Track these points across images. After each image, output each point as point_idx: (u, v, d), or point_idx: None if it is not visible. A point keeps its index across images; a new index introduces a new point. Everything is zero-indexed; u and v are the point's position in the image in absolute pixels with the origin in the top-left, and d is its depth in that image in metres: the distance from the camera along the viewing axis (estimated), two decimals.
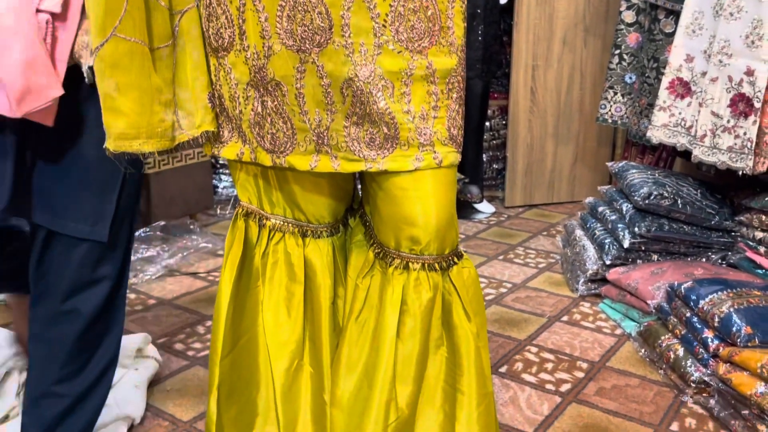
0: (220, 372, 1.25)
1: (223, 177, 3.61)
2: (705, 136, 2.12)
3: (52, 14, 1.02)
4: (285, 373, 1.26)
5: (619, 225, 2.32)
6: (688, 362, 1.74)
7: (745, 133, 2.01)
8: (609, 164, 2.58)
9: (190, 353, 1.96)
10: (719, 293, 1.75)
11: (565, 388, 1.78)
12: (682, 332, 1.81)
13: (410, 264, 1.10)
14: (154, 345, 1.91)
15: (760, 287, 1.82)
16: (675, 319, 1.85)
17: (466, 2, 1.06)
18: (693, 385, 1.71)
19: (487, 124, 3.61)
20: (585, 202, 2.64)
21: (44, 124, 1.07)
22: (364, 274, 1.16)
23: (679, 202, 2.22)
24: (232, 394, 1.29)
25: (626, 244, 2.24)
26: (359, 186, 1.27)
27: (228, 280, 1.22)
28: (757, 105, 1.97)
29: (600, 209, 2.48)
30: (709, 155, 2.11)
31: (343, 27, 0.97)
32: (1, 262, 1.36)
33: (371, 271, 1.15)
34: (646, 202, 2.21)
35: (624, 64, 2.75)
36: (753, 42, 1.98)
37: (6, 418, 1.53)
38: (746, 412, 1.52)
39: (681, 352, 1.78)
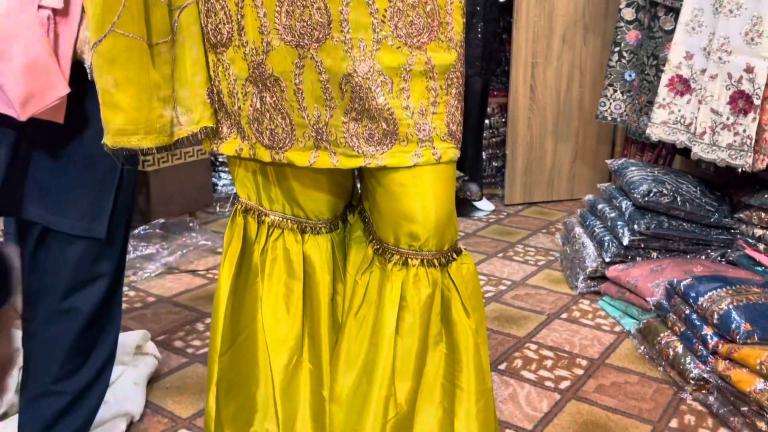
0: (219, 368, 1.25)
1: (222, 175, 3.61)
2: (704, 133, 2.12)
3: (54, 10, 1.02)
4: (284, 370, 1.27)
5: (619, 222, 2.32)
6: (688, 359, 1.74)
7: (744, 131, 2.01)
8: (608, 162, 2.58)
9: (190, 350, 1.96)
10: (718, 290, 1.75)
11: (564, 385, 1.78)
12: (682, 329, 1.81)
13: (409, 260, 1.10)
14: (153, 342, 1.91)
15: (759, 284, 1.82)
16: (674, 316, 1.85)
17: None
18: (692, 382, 1.71)
19: (487, 121, 3.61)
20: (584, 200, 2.64)
21: (47, 122, 1.06)
22: (363, 271, 1.16)
23: (678, 199, 2.22)
24: (231, 390, 1.29)
25: (626, 242, 2.24)
26: (358, 182, 1.27)
27: (227, 277, 1.22)
28: (757, 102, 1.97)
29: (599, 207, 2.48)
30: (708, 152, 2.11)
31: (342, 22, 0.97)
32: None
33: (370, 268, 1.15)
34: (646, 199, 2.21)
35: (623, 61, 2.75)
36: (752, 39, 1.98)
37: (5, 415, 1.53)
38: (745, 408, 1.52)
39: (680, 349, 1.78)
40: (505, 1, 3.37)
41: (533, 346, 2.00)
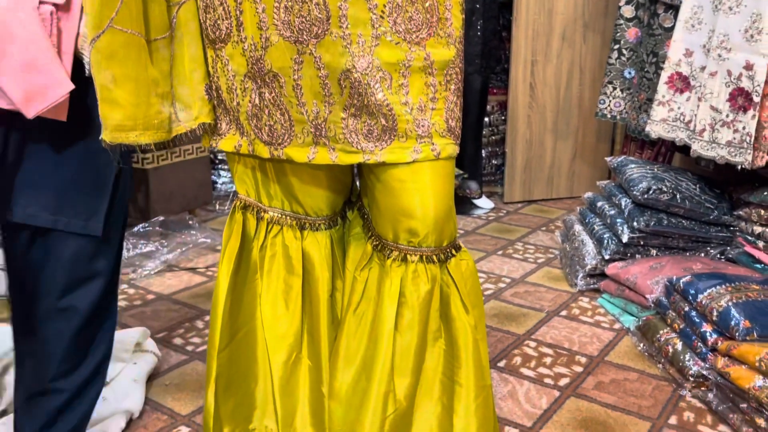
0: (217, 364, 1.25)
1: (221, 173, 3.61)
2: (704, 130, 2.12)
3: (56, 5, 1.01)
4: (283, 366, 1.27)
5: (618, 220, 2.32)
6: (687, 356, 1.74)
7: (744, 128, 2.01)
8: (608, 159, 2.58)
9: (189, 348, 1.96)
10: (718, 287, 1.75)
11: (563, 382, 1.79)
12: (681, 326, 1.81)
13: (408, 256, 1.10)
14: (152, 339, 1.91)
15: (758, 281, 1.82)
16: (673, 314, 1.85)
17: None
18: (691, 378, 1.71)
19: (486, 119, 3.61)
20: (584, 197, 2.64)
21: (39, 119, 1.04)
22: (362, 267, 1.16)
23: (677, 196, 2.22)
24: (230, 386, 1.29)
25: (625, 239, 2.24)
26: (357, 178, 1.27)
27: (225, 273, 1.22)
28: (756, 99, 1.97)
29: (599, 204, 2.48)
30: (708, 150, 2.11)
31: (341, 18, 0.97)
32: None
33: (369, 264, 1.15)
34: (645, 196, 2.21)
35: (623, 59, 2.74)
36: (752, 36, 1.98)
37: (4, 412, 1.53)
38: (744, 405, 1.53)
39: (679, 346, 1.78)
40: None
41: (532, 344, 2.00)
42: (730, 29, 2.04)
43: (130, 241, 2.67)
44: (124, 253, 2.61)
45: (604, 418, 1.62)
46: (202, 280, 2.47)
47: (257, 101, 1.08)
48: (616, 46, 2.75)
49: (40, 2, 1.00)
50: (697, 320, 1.74)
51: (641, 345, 1.94)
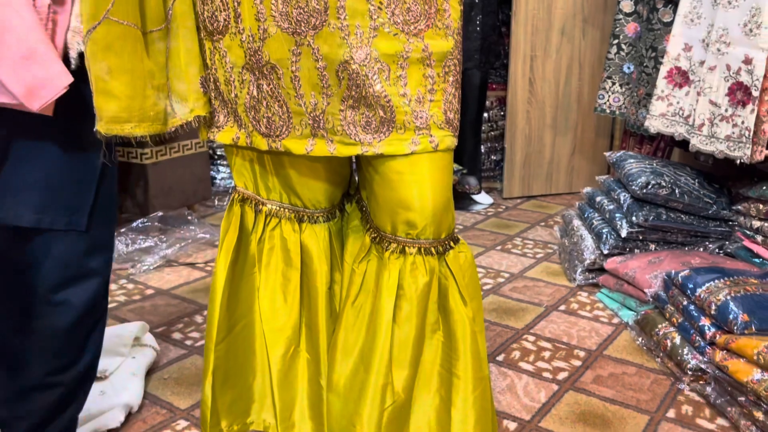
0: (214, 357, 1.25)
1: (221, 168, 3.61)
2: (703, 125, 2.12)
3: None
4: (281, 359, 1.27)
5: (617, 214, 2.32)
6: (685, 350, 1.74)
7: (743, 122, 2.00)
8: (607, 154, 2.58)
9: (188, 342, 1.96)
10: (716, 281, 1.76)
11: (562, 376, 1.79)
12: (679, 320, 1.81)
13: (406, 248, 1.10)
14: (151, 334, 1.91)
15: (756, 275, 1.82)
16: (672, 308, 1.85)
17: None
18: (690, 372, 1.71)
19: (486, 115, 3.61)
20: (583, 192, 2.64)
21: (16, 116, 1.01)
22: (361, 259, 1.16)
23: (676, 191, 2.22)
24: (228, 380, 1.29)
25: (624, 234, 2.24)
26: (356, 171, 1.27)
27: (223, 266, 1.22)
28: (755, 93, 1.97)
29: (598, 199, 2.48)
30: (707, 144, 2.11)
31: (339, 9, 0.97)
32: None
33: (367, 256, 1.15)
34: (644, 191, 2.21)
35: (622, 54, 2.74)
36: (751, 30, 1.98)
37: None
38: (743, 398, 1.53)
39: (678, 340, 1.78)
40: None
41: (531, 338, 2.00)
42: (729, 23, 2.04)
43: (129, 236, 2.67)
44: (123, 248, 2.61)
45: (603, 412, 1.63)
46: (201, 275, 2.47)
47: (255, 93, 1.07)
48: (616, 41, 2.75)
49: None
50: (696, 314, 1.74)
51: (640, 339, 1.94)
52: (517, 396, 1.69)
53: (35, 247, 1.12)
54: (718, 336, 1.65)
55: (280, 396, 1.28)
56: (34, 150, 1.08)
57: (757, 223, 2.17)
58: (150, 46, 1.03)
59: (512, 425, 1.57)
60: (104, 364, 1.64)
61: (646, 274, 2.05)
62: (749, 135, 1.99)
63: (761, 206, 2.15)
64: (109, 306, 2.19)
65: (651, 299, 1.97)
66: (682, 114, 2.26)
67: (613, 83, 2.79)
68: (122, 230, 2.69)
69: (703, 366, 1.67)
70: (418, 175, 1.05)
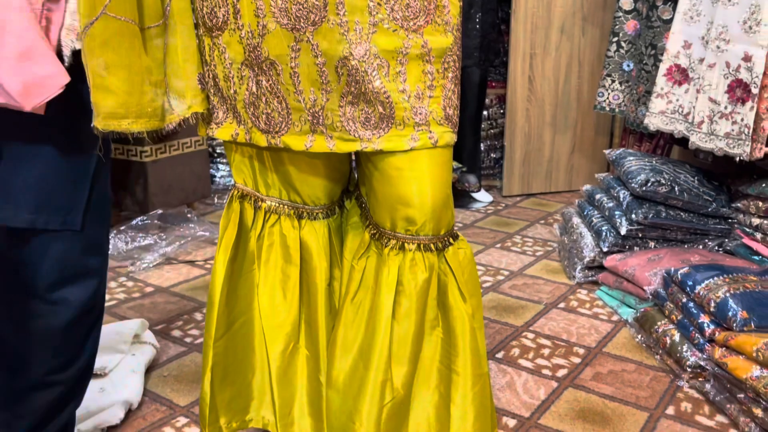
0: (213, 354, 1.25)
1: (220, 166, 3.61)
2: (702, 122, 2.12)
3: None
4: (281, 356, 1.27)
5: (617, 212, 2.32)
6: (684, 347, 1.74)
7: (742, 119, 2.00)
8: (606, 152, 2.58)
9: (188, 340, 1.96)
10: (715, 279, 1.76)
11: (561, 373, 1.79)
12: (679, 318, 1.81)
13: (406, 245, 1.10)
14: (151, 331, 1.91)
15: (756, 273, 1.82)
16: (671, 305, 1.86)
17: None
18: (689, 369, 1.71)
19: (485, 113, 3.61)
20: (582, 190, 2.64)
21: (7, 114, 0.99)
22: (360, 256, 1.15)
23: (676, 189, 2.22)
24: (227, 377, 1.29)
25: (623, 231, 2.25)
26: (355, 167, 1.26)
27: (222, 262, 1.22)
28: (755, 91, 1.97)
29: (597, 196, 2.48)
30: (706, 142, 2.11)
31: (338, 5, 0.97)
32: None
33: (367, 253, 1.15)
34: (644, 189, 2.21)
35: (622, 51, 2.74)
36: (751, 27, 1.98)
37: None
38: (742, 395, 1.53)
39: (677, 337, 1.78)
40: None
41: (531, 335, 2.00)
42: (729, 21, 2.04)
43: (128, 234, 2.67)
44: (123, 246, 2.61)
45: (602, 409, 1.63)
46: (201, 273, 2.47)
47: (254, 89, 1.07)
48: (615, 39, 2.75)
49: None
50: (695, 311, 1.74)
51: (639, 336, 1.94)
52: (517, 393, 1.69)
53: (31, 247, 1.12)
54: (717, 333, 1.66)
55: (279, 393, 1.28)
56: (28, 150, 1.07)
57: (756, 221, 2.17)
58: (148, 42, 1.03)
59: (512, 422, 1.57)
60: (104, 361, 1.65)
61: (646, 272, 2.05)
62: (748, 132, 1.99)
63: (761, 203, 2.15)
64: (109, 303, 2.20)
65: (650, 296, 1.97)
66: (682, 111, 2.26)
67: (613, 81, 2.79)
68: (122, 228, 2.69)
69: (702, 363, 1.67)
70: (417, 172, 1.05)
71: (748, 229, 2.21)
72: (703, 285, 1.74)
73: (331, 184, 1.22)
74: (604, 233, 2.31)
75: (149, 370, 1.77)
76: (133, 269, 2.48)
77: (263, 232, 1.24)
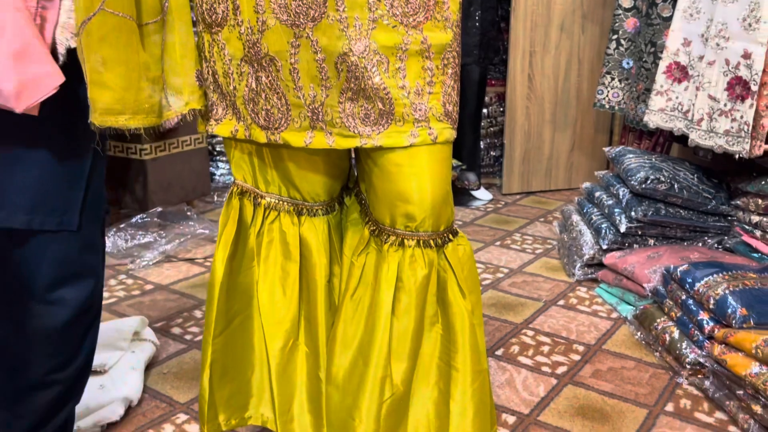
0: (212, 350, 1.25)
1: (220, 164, 3.61)
2: (702, 120, 2.12)
3: None
4: (280, 353, 1.26)
5: (616, 209, 2.32)
6: (684, 344, 1.74)
7: (741, 117, 2.01)
8: (606, 149, 2.58)
9: (188, 337, 1.96)
10: (715, 276, 1.76)
11: (561, 370, 1.79)
12: (678, 315, 1.81)
13: (405, 241, 1.10)
14: (151, 329, 1.91)
15: (755, 270, 1.83)
16: (671, 302, 1.86)
17: None
18: (688, 366, 1.71)
19: (485, 111, 3.61)
20: (582, 187, 2.64)
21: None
22: (360, 252, 1.15)
23: (675, 186, 2.22)
24: (226, 374, 1.29)
25: (623, 229, 2.25)
26: (355, 163, 1.26)
27: (222, 259, 1.22)
28: (754, 88, 1.97)
29: (597, 194, 2.49)
30: (706, 139, 2.11)
31: (338, 1, 0.97)
32: None
33: (366, 249, 1.15)
34: (643, 186, 2.21)
35: (621, 49, 2.74)
36: (750, 25, 1.98)
37: None
38: (741, 392, 1.53)
39: (676, 334, 1.79)
40: None
41: (530, 332, 2.00)
42: (729, 18, 2.04)
43: (128, 231, 2.67)
44: (123, 244, 2.61)
45: (601, 406, 1.63)
46: (201, 271, 2.47)
47: (254, 85, 1.07)
48: (615, 37, 2.75)
49: None
50: (694, 308, 1.74)
51: (638, 333, 1.95)
52: (516, 390, 1.69)
53: (28, 248, 1.11)
54: (716, 330, 1.66)
55: (279, 389, 1.28)
56: (23, 151, 1.07)
57: (755, 218, 2.17)
58: (145, 39, 1.03)
59: (511, 419, 1.57)
60: (104, 358, 1.65)
61: (645, 269, 2.05)
62: (748, 129, 1.99)
63: (760, 201, 2.15)
64: (109, 301, 2.20)
65: (650, 294, 1.97)
66: (681, 109, 2.26)
67: (613, 78, 2.79)
68: (122, 226, 2.69)
69: (701, 360, 1.67)
70: (417, 168, 1.05)
71: (747, 227, 2.21)
72: (702, 282, 1.74)
73: (330, 180, 1.22)
74: (603, 231, 2.32)
75: (149, 367, 1.78)
76: (132, 267, 2.48)
77: (263, 228, 1.24)
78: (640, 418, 1.58)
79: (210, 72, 1.13)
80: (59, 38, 0.99)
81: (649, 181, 2.21)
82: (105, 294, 2.25)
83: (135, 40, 1.00)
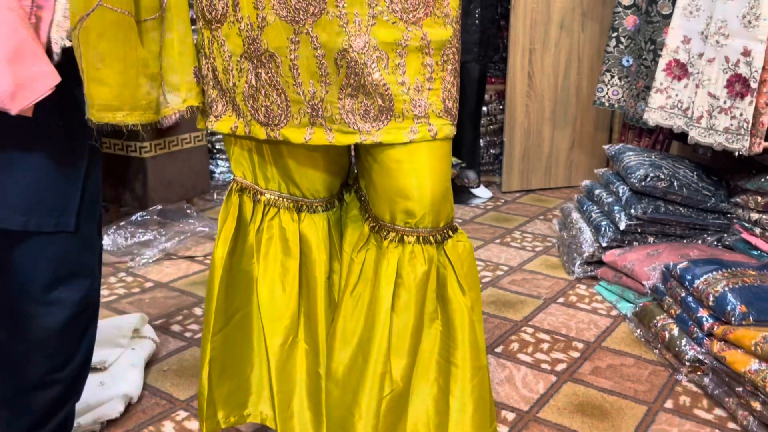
0: (211, 347, 1.25)
1: (219, 162, 3.61)
2: (701, 117, 2.12)
3: None
4: (279, 350, 1.26)
5: (616, 207, 2.32)
6: (683, 341, 1.75)
7: (741, 114, 2.01)
8: (606, 147, 2.58)
9: (188, 334, 1.96)
10: (714, 273, 1.76)
11: (560, 367, 1.79)
12: (677, 312, 1.81)
13: (405, 237, 1.10)
14: (151, 326, 1.91)
15: (755, 267, 1.83)
16: (670, 299, 1.86)
17: None
18: (687, 363, 1.72)
19: (484, 108, 3.61)
20: (582, 185, 2.64)
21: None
22: (359, 248, 1.16)
23: (675, 184, 2.22)
24: (225, 371, 1.29)
25: (622, 226, 2.25)
26: (354, 160, 1.26)
27: (221, 255, 1.22)
28: (754, 85, 1.97)
29: (596, 192, 2.49)
30: (705, 136, 2.11)
31: None
32: None
33: (366, 245, 1.15)
34: (643, 184, 2.21)
35: (621, 47, 2.74)
36: (750, 22, 1.98)
37: None
38: (740, 389, 1.53)
39: (676, 331, 1.79)
40: None
41: (530, 330, 2.00)
42: (728, 15, 2.04)
43: (128, 229, 2.67)
44: (123, 242, 2.61)
45: (601, 403, 1.63)
46: (200, 269, 2.47)
47: (254, 82, 1.07)
48: (615, 34, 2.74)
49: None
50: (694, 305, 1.74)
51: (638, 331, 1.95)
52: (516, 387, 1.70)
53: (25, 249, 1.11)
54: (715, 327, 1.66)
55: (279, 387, 1.28)
56: (19, 152, 1.06)
57: (755, 216, 2.17)
58: (144, 35, 1.03)
59: (511, 416, 1.57)
60: (103, 355, 1.65)
61: (645, 267, 2.05)
62: (747, 127, 1.99)
63: (759, 198, 2.15)
64: (109, 299, 2.20)
65: (649, 291, 1.97)
66: (681, 106, 2.26)
67: (612, 76, 2.79)
68: (121, 223, 2.69)
69: (700, 357, 1.67)
70: (416, 164, 1.05)
71: (746, 224, 2.21)
72: (701, 279, 1.75)
73: (330, 177, 1.22)
74: (603, 228, 2.32)
75: (149, 364, 1.78)
76: (132, 265, 2.48)
77: (262, 225, 1.24)
78: (639, 414, 1.58)
79: (210, 68, 1.13)
80: (54, 37, 0.98)
81: (648, 179, 2.21)
82: (105, 291, 2.25)
83: (133, 37, 1.00)
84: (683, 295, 1.79)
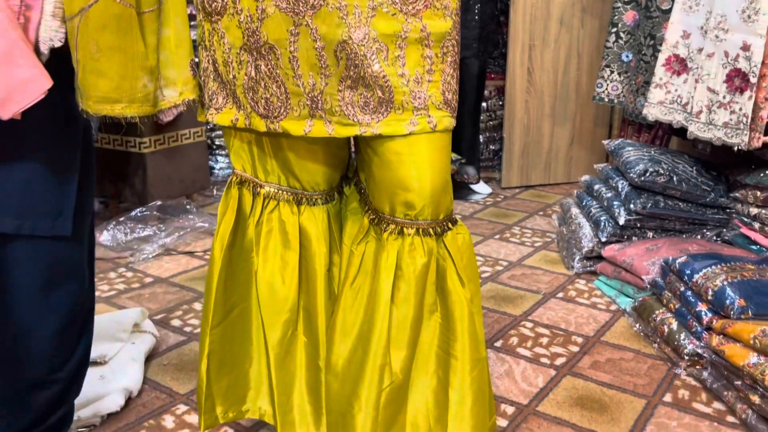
0: (210, 341, 1.25)
1: (219, 158, 3.61)
2: (701, 112, 2.12)
3: None
4: (279, 343, 1.26)
5: (615, 202, 2.32)
6: (682, 335, 1.75)
7: (740, 109, 2.01)
8: (605, 142, 2.58)
9: (187, 329, 1.97)
10: (713, 267, 1.76)
11: (560, 361, 1.80)
12: (676, 306, 1.82)
13: (405, 229, 1.10)
14: (151, 321, 1.92)
15: (754, 261, 1.83)
16: (669, 294, 1.86)
17: None
18: (686, 357, 1.72)
19: (484, 104, 3.60)
20: (581, 180, 2.64)
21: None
22: (359, 241, 1.16)
23: (674, 179, 2.22)
24: (224, 365, 1.29)
25: (621, 221, 2.25)
26: (354, 152, 1.27)
27: (220, 247, 1.22)
28: (753, 80, 1.97)
29: (596, 187, 2.49)
30: (704, 131, 2.11)
31: None
32: None
33: (366, 238, 1.15)
34: (642, 179, 2.22)
35: (621, 42, 2.74)
36: (749, 16, 1.98)
37: None
38: (739, 382, 1.54)
39: (675, 325, 1.79)
40: None
41: (529, 324, 2.01)
42: (728, 10, 2.04)
43: (127, 225, 2.67)
44: (122, 237, 2.61)
45: (600, 396, 1.64)
46: (200, 264, 2.47)
47: (253, 74, 1.07)
48: (614, 30, 2.74)
49: None
50: (693, 300, 1.75)
51: (637, 325, 1.95)
52: (515, 381, 1.70)
53: (20, 252, 1.11)
54: (714, 321, 1.66)
55: (278, 380, 1.28)
56: (12, 155, 1.05)
57: (754, 210, 2.18)
58: (143, 27, 1.03)
59: (510, 409, 1.58)
60: (104, 349, 1.65)
61: (644, 261, 2.06)
62: (747, 121, 1.99)
63: (759, 193, 2.15)
64: (108, 294, 2.20)
65: (648, 286, 1.98)
66: (680, 101, 2.26)
67: (612, 72, 2.79)
68: (121, 219, 2.69)
69: (699, 351, 1.68)
70: (416, 156, 1.05)
71: (746, 219, 2.21)
72: (700, 274, 1.75)
73: (330, 169, 1.22)
74: (602, 223, 2.32)
75: (149, 358, 1.78)
76: (132, 260, 2.48)
77: (262, 218, 1.24)
78: (638, 408, 1.59)
79: (210, 61, 1.13)
80: (42, 36, 0.96)
81: (648, 174, 2.21)
82: (105, 287, 2.26)
83: (135, 29, 1.00)
84: (682, 289, 1.80)
